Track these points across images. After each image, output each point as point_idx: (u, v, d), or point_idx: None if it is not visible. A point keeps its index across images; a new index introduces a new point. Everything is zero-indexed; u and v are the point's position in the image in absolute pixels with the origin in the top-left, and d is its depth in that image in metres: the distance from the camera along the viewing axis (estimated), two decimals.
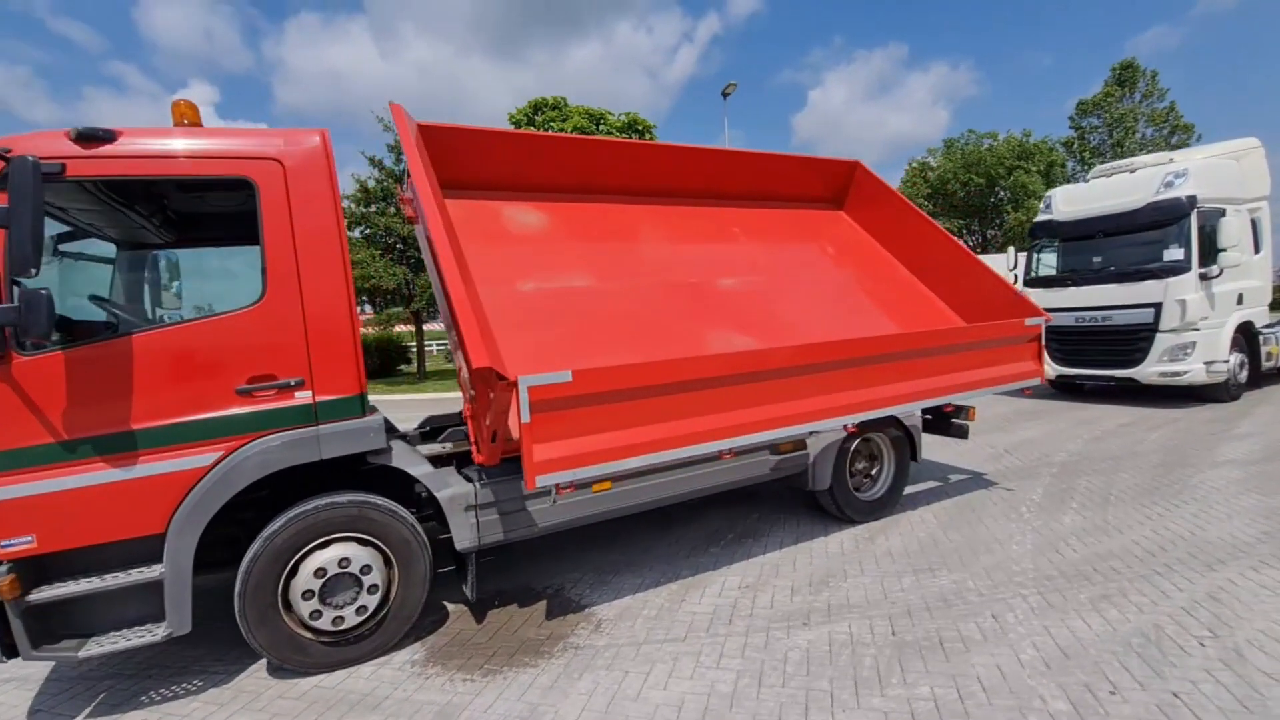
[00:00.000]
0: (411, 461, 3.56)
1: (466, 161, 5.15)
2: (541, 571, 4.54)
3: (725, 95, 19.77)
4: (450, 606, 4.08)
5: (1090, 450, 7.17)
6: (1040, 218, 11.28)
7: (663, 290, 5.15)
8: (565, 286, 4.84)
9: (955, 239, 6.20)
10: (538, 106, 18.90)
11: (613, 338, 4.53)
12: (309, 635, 3.29)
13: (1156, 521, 4.85)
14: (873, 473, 5.43)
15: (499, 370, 3.06)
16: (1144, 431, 8.00)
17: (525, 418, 3.16)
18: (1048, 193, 11.40)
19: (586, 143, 5.83)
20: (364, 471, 3.59)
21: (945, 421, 6.01)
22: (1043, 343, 5.47)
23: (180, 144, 3.11)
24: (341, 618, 3.30)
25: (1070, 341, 10.56)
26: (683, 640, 3.47)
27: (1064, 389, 11.55)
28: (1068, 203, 10.83)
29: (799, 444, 4.85)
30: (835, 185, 7.13)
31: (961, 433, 5.87)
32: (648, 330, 4.71)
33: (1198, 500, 5.27)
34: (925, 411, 6.24)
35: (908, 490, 5.99)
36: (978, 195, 32.81)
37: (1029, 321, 5.33)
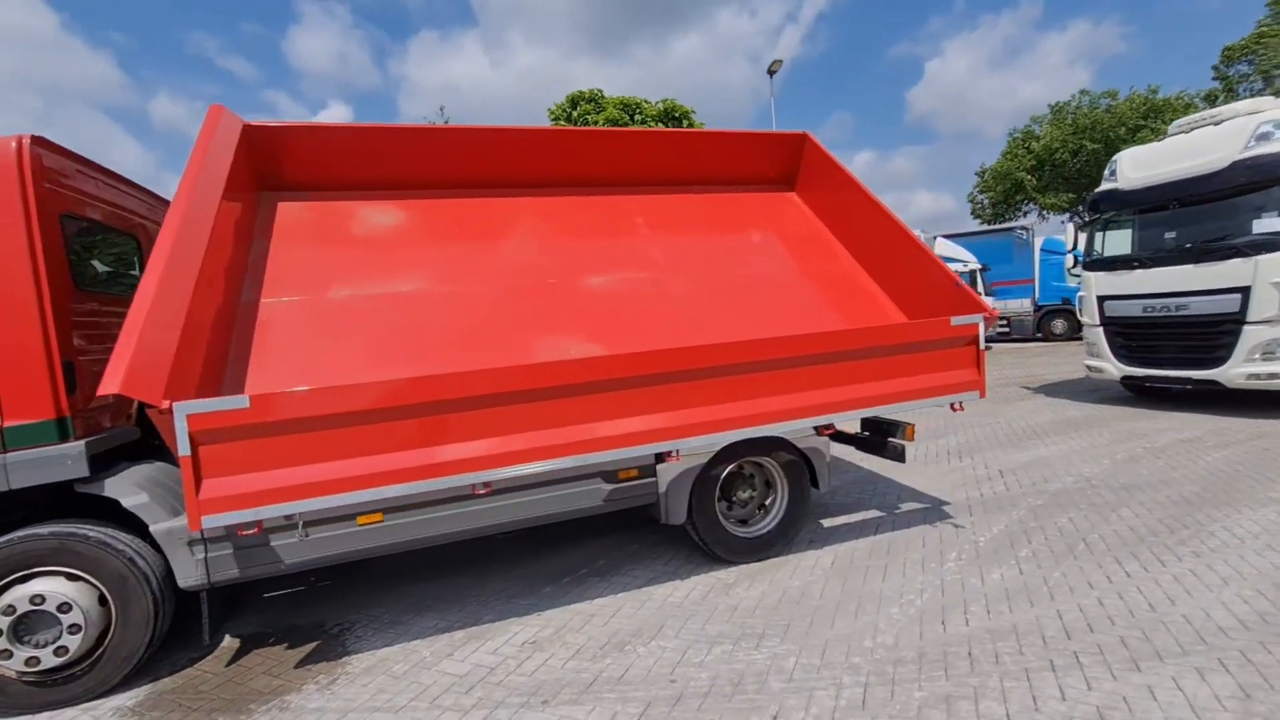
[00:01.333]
0: (125, 491, 3.28)
1: (319, 161, 4.86)
2: (348, 604, 4.16)
3: (771, 73, 18.46)
4: (228, 640, 3.80)
5: (1109, 475, 5.75)
6: (1103, 187, 9.38)
7: (513, 293, 4.59)
8: (393, 292, 4.40)
9: (902, 224, 5.12)
10: (575, 100, 18.59)
11: (423, 350, 4.03)
12: (11, 674, 3.11)
13: (1117, 585, 3.66)
14: (766, 503, 4.56)
15: (134, 396, 2.68)
16: (1203, 450, 6.34)
17: (184, 449, 2.77)
18: (1114, 157, 9.47)
19: (458, 132, 5.35)
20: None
21: (879, 441, 5.00)
22: (981, 347, 4.34)
23: None
24: (37, 659, 3.08)
25: (1137, 336, 8.72)
26: (396, 713, 2.94)
27: (1142, 392, 9.59)
28: (1136, 167, 8.91)
29: (644, 470, 4.13)
30: (784, 163, 6.21)
31: (897, 455, 4.84)
32: (471, 339, 4.18)
33: (1201, 555, 3.96)
34: (864, 425, 5.28)
35: (833, 522, 5.05)
36: (1093, 164, 28.77)
37: (956, 321, 4.23)
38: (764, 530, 4.45)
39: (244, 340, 3.83)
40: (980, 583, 3.80)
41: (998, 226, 25.12)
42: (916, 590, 3.76)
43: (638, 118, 17.93)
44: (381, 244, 4.74)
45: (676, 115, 18.16)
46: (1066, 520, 4.71)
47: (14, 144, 3.13)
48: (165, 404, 2.72)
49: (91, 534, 3.19)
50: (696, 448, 4.05)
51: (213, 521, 2.84)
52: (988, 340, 22.17)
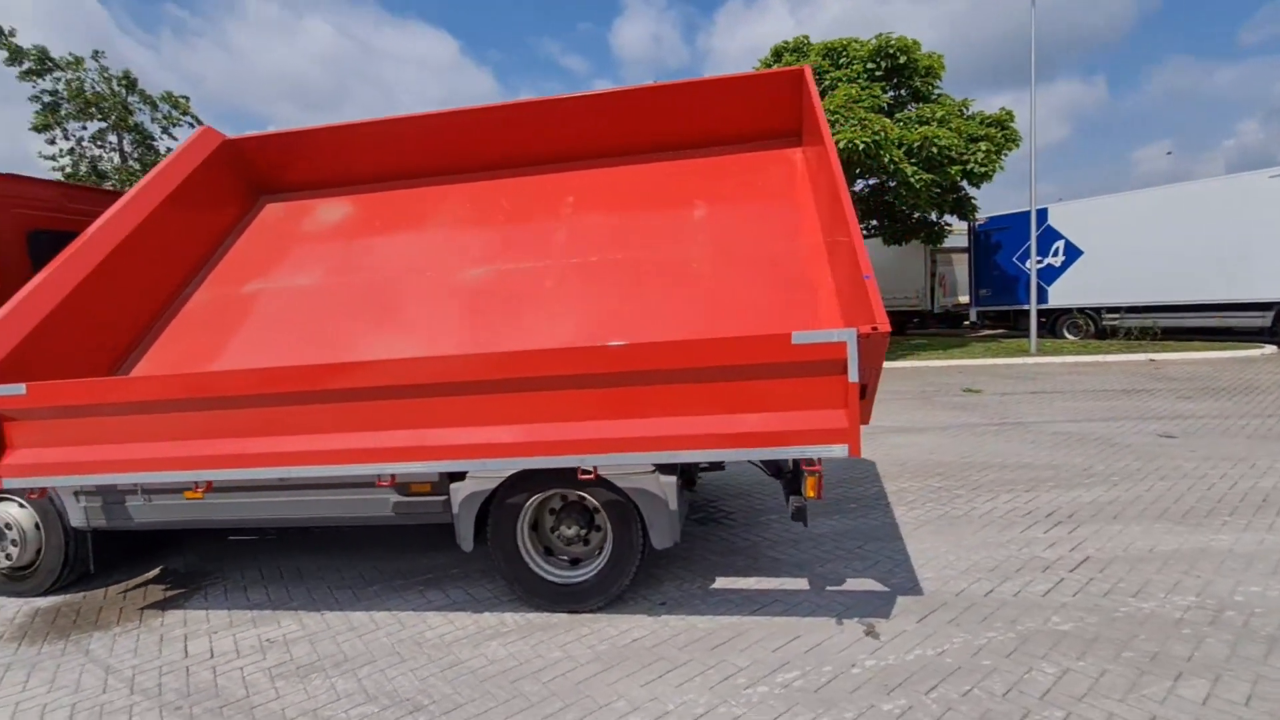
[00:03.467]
0: None
1: (302, 163, 5.46)
2: (247, 562, 4.72)
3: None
4: (155, 571, 4.67)
5: (1246, 599, 3.25)
6: None
7: (379, 287, 4.54)
8: (294, 286, 4.73)
9: (840, 182, 3.56)
10: (778, 52, 16.88)
11: (275, 343, 4.30)
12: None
13: None
14: (604, 545, 3.75)
15: None
16: None
17: None
18: None
19: (430, 119, 5.29)
20: None
21: (788, 492, 3.69)
22: (854, 379, 2.78)
23: None
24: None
25: None
26: (108, 673, 3.29)
27: None
28: None
29: (437, 487, 3.74)
30: (784, 112, 4.92)
31: (798, 515, 3.50)
32: (316, 334, 4.30)
33: None
34: (785, 468, 3.97)
35: (729, 583, 3.98)
36: None
37: (802, 338, 2.80)
38: (579, 578, 3.68)
39: (162, 328, 4.56)
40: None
41: None
42: (625, 711, 2.71)
43: (842, 61, 15.49)
44: (316, 240, 5.12)
45: (891, 51, 15.09)
46: (1053, 670, 2.84)
47: None
48: None
49: None
50: (487, 470, 3.57)
51: (12, 484, 3.52)
52: None
